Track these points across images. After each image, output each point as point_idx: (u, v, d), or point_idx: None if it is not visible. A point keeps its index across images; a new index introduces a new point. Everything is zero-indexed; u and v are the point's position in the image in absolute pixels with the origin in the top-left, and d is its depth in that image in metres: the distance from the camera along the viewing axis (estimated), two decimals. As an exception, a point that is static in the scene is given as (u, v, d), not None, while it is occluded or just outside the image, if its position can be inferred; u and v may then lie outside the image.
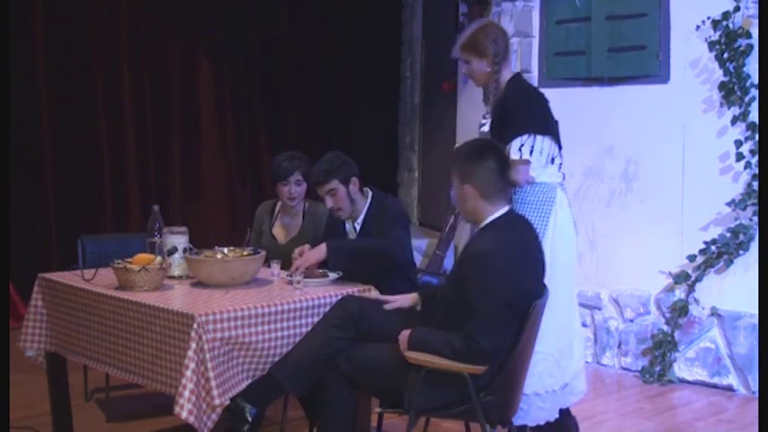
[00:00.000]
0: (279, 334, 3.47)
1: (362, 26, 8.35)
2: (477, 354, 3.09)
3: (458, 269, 3.31)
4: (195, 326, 3.21)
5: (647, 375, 5.17)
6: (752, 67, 4.86)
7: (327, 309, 3.59)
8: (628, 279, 5.41)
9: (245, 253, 3.91)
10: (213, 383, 3.21)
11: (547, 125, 3.91)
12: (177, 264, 3.88)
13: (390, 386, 3.29)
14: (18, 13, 6.26)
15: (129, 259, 3.72)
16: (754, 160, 4.88)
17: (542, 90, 5.77)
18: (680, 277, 5.13)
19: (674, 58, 5.16)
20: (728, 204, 4.96)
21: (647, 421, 4.54)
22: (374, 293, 3.77)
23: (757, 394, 4.77)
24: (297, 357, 3.46)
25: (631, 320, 5.39)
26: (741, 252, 4.94)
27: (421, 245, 7.28)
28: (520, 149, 3.70)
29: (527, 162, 3.69)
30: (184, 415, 3.17)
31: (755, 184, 4.86)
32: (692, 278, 5.09)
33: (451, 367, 3.13)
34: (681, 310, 5.11)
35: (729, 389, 4.98)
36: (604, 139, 5.50)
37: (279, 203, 4.72)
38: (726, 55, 4.93)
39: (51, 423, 4.12)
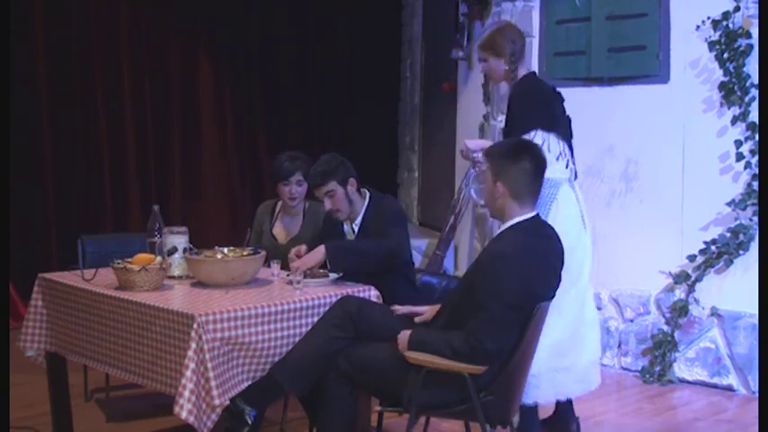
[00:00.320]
0: (279, 334, 3.47)
1: (362, 26, 8.36)
2: (479, 354, 3.08)
3: (475, 267, 3.30)
4: (195, 326, 3.21)
5: (647, 375, 5.17)
6: (752, 67, 4.86)
7: (327, 309, 3.59)
8: (628, 279, 5.41)
9: (245, 253, 3.91)
10: (213, 383, 3.21)
11: (552, 122, 3.99)
12: (177, 264, 3.88)
13: (390, 385, 3.29)
14: (18, 13, 6.27)
15: (129, 259, 3.72)
16: (754, 160, 4.87)
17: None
18: (680, 277, 5.13)
19: (674, 58, 5.16)
20: (728, 204, 4.96)
21: (647, 421, 4.54)
22: (374, 293, 3.78)
23: (757, 394, 4.77)
24: (297, 358, 3.46)
25: (631, 320, 5.39)
26: (741, 252, 4.94)
27: (421, 245, 7.28)
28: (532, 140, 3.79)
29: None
30: (184, 415, 3.17)
31: (755, 184, 4.86)
32: (692, 278, 5.09)
33: (452, 367, 3.13)
34: (681, 310, 5.11)
35: (729, 389, 4.98)
36: (604, 139, 5.50)
37: (279, 203, 4.72)
38: (726, 55, 4.93)
39: (51, 423, 4.12)
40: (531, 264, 3.15)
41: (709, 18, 4.95)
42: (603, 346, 5.48)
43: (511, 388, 3.24)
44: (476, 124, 6.90)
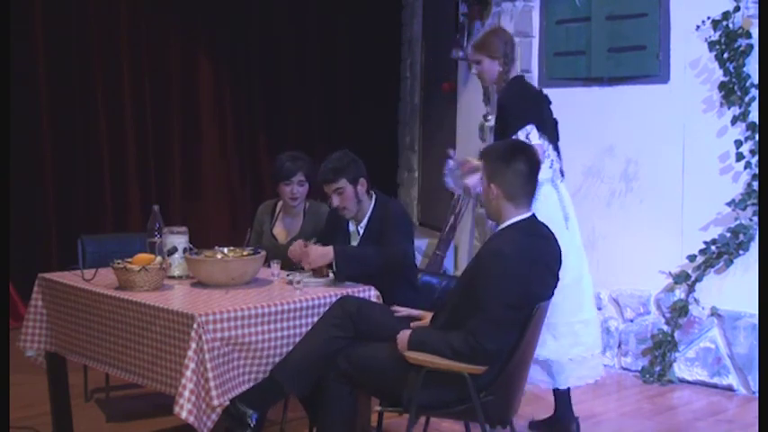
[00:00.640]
0: (279, 334, 3.47)
1: (362, 26, 8.35)
2: (479, 354, 3.09)
3: (472, 267, 3.30)
4: (195, 326, 3.21)
5: (647, 375, 5.17)
6: (752, 67, 4.86)
7: (327, 309, 3.60)
8: (628, 279, 5.41)
9: (245, 253, 3.91)
10: (212, 384, 3.21)
11: (541, 123, 4.15)
12: (177, 264, 3.88)
13: (390, 385, 3.29)
14: (18, 13, 6.26)
15: (129, 259, 3.72)
16: (754, 160, 4.87)
17: (542, 90, 5.82)
18: (680, 277, 5.13)
19: (674, 58, 5.16)
20: (728, 204, 4.96)
21: (647, 421, 4.54)
22: (373, 293, 3.78)
23: (757, 394, 4.77)
24: (297, 358, 3.46)
25: (631, 320, 5.39)
26: (741, 252, 4.94)
27: (421, 245, 7.28)
28: (528, 137, 4.02)
29: (540, 145, 3.98)
30: (184, 415, 3.17)
31: (755, 184, 4.86)
32: (692, 278, 5.09)
33: (452, 367, 3.13)
34: (681, 310, 5.11)
35: (729, 389, 4.98)
36: (604, 139, 5.50)
37: (280, 203, 4.72)
38: (726, 55, 4.93)
39: (51, 423, 4.12)
40: (528, 263, 3.15)
41: (709, 18, 4.95)
42: (604, 347, 5.49)
43: (511, 388, 3.24)
44: (476, 124, 6.90)
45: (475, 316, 3.10)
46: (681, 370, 5.14)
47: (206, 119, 7.65)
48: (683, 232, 5.17)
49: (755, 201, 4.85)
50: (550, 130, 4.26)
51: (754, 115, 4.87)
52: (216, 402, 3.22)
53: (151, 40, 7.27)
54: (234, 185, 7.85)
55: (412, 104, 8.56)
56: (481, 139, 6.77)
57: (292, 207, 4.62)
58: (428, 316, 3.54)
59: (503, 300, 3.09)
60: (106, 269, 3.87)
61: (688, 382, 5.11)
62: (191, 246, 3.90)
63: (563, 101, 5.69)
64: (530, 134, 4.07)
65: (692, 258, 5.08)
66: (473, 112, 7.03)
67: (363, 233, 4.05)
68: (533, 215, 3.32)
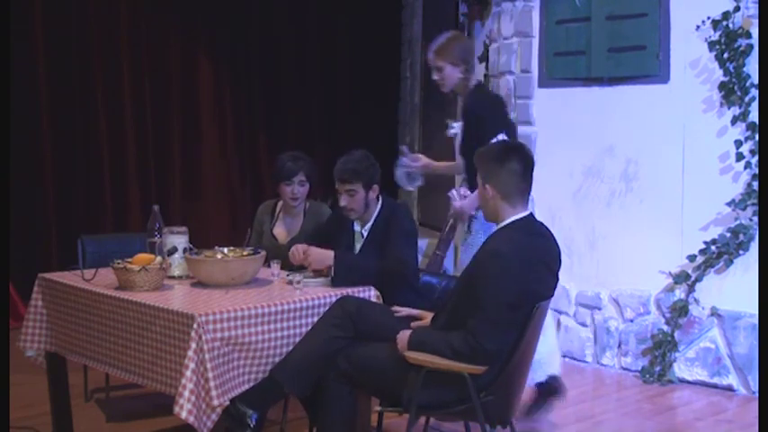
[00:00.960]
0: (279, 334, 3.47)
1: (362, 26, 8.35)
2: (479, 354, 3.09)
3: (471, 267, 3.31)
4: (195, 326, 3.21)
5: (647, 375, 5.16)
6: (752, 67, 4.86)
7: (327, 309, 3.59)
8: (628, 279, 5.41)
9: (245, 253, 3.91)
10: (212, 384, 3.21)
11: (508, 128, 4.36)
12: (177, 264, 3.88)
13: (390, 385, 3.29)
14: (18, 13, 6.26)
15: (129, 259, 3.72)
16: (754, 160, 4.87)
17: (542, 90, 5.87)
18: (680, 277, 5.13)
19: (674, 58, 5.16)
20: (728, 204, 4.96)
21: (647, 421, 4.54)
22: (373, 293, 3.78)
23: (757, 394, 4.77)
24: (297, 358, 3.46)
25: (631, 320, 5.39)
26: (741, 252, 4.94)
27: (421, 245, 7.28)
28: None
29: None
30: (184, 415, 3.17)
31: (755, 184, 4.86)
32: (692, 278, 5.09)
33: (452, 367, 3.13)
34: (681, 310, 5.11)
35: (729, 389, 4.98)
36: (604, 139, 5.50)
37: (280, 203, 4.72)
38: (726, 55, 4.92)
39: (51, 423, 4.12)
40: (527, 262, 3.15)
41: (709, 18, 4.95)
42: (604, 347, 5.49)
43: (511, 388, 3.24)
44: (476, 124, 6.90)
45: (474, 316, 3.10)
46: (681, 370, 5.14)
47: (206, 119, 7.65)
48: (683, 232, 5.17)
49: (755, 201, 4.85)
50: (512, 131, 4.43)
51: (754, 115, 4.87)
52: (216, 402, 3.22)
53: (151, 40, 7.27)
54: (234, 185, 7.85)
55: (412, 104, 8.56)
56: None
57: (293, 207, 4.62)
58: (428, 316, 3.54)
59: (502, 299, 3.09)
60: (106, 269, 3.87)
61: (688, 382, 5.11)
62: (191, 246, 3.90)
63: (563, 101, 5.73)
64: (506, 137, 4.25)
65: (692, 258, 5.08)
66: (473, 112, 7.03)
67: (367, 235, 4.03)
68: (531, 214, 3.32)
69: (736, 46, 4.88)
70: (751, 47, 4.85)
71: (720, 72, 4.97)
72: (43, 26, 6.72)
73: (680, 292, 5.17)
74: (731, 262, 4.98)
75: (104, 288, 3.69)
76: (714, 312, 5.04)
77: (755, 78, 4.83)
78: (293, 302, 3.53)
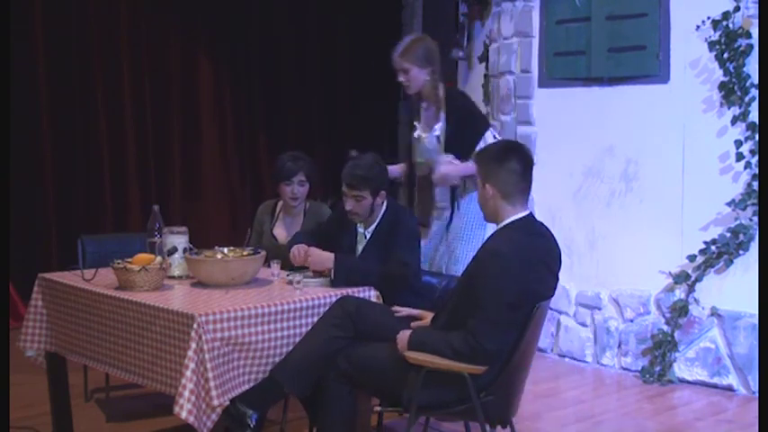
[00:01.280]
0: (279, 334, 3.47)
1: (362, 26, 8.35)
2: (478, 354, 3.09)
3: (471, 267, 3.31)
4: (195, 326, 3.21)
5: (647, 375, 5.16)
6: (752, 67, 4.86)
7: (327, 309, 3.59)
8: (628, 279, 5.41)
9: (245, 253, 3.91)
10: (212, 384, 3.22)
11: (486, 118, 4.60)
12: (177, 264, 3.88)
13: (390, 385, 3.29)
14: (18, 13, 6.26)
15: (129, 259, 3.72)
16: (754, 160, 4.87)
17: (542, 90, 5.88)
18: (680, 277, 5.13)
19: (674, 58, 5.16)
20: (728, 204, 4.95)
21: (647, 421, 4.54)
22: (373, 293, 3.78)
23: (757, 394, 4.77)
24: (297, 358, 3.46)
25: (631, 320, 5.39)
26: (741, 252, 4.94)
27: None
28: (495, 137, 4.36)
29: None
30: (184, 415, 3.17)
31: (755, 184, 4.85)
32: (692, 278, 5.09)
33: (452, 367, 3.13)
34: (681, 310, 5.11)
35: (729, 389, 4.98)
36: (604, 139, 5.50)
37: (280, 203, 4.72)
38: (726, 55, 4.92)
39: (51, 423, 4.12)
40: (527, 262, 3.15)
41: (709, 18, 4.95)
42: (603, 346, 5.49)
43: (511, 388, 3.24)
44: (476, 124, 6.90)
45: (474, 316, 3.10)
46: (681, 370, 5.14)
47: (206, 119, 7.65)
48: (683, 232, 5.17)
49: (755, 201, 4.85)
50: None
51: (754, 115, 4.87)
52: (216, 402, 3.22)
53: (151, 40, 7.27)
54: (234, 185, 7.85)
55: (412, 104, 8.55)
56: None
57: (293, 207, 4.62)
58: (428, 316, 3.54)
59: (502, 299, 3.09)
60: (106, 269, 3.87)
61: (688, 382, 5.11)
62: (191, 246, 3.90)
63: (563, 101, 5.73)
64: (495, 135, 4.41)
65: (692, 258, 5.08)
66: (473, 112, 7.03)
67: (370, 237, 4.01)
68: (531, 213, 3.32)
69: (736, 46, 4.88)
70: (751, 47, 4.85)
71: (720, 72, 4.97)
72: (43, 26, 6.72)
73: (680, 292, 5.17)
74: (731, 262, 4.98)
75: (104, 288, 3.69)
76: (714, 312, 5.04)
77: (755, 78, 4.83)
78: (293, 302, 3.53)
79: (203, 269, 3.75)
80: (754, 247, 4.88)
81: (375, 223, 4.01)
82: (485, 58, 6.62)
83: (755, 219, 4.87)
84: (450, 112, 4.38)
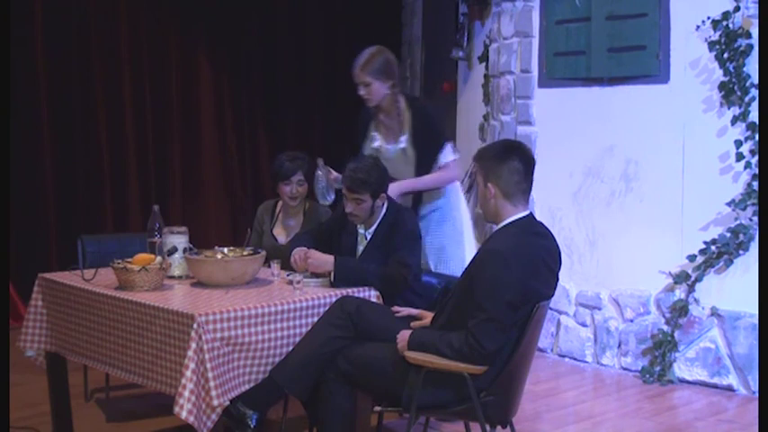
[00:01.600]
0: (279, 334, 3.47)
1: (362, 26, 8.35)
2: (478, 354, 3.09)
3: (471, 267, 3.31)
4: (195, 326, 3.21)
5: (647, 375, 5.16)
6: (752, 67, 4.86)
7: (327, 309, 3.59)
8: (628, 279, 5.41)
9: (245, 253, 3.91)
10: (212, 384, 3.22)
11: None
12: (177, 264, 3.88)
13: (390, 385, 3.29)
14: (18, 13, 6.26)
15: (129, 259, 3.73)
16: (754, 160, 4.87)
17: (542, 90, 5.88)
18: (680, 277, 5.13)
19: (674, 58, 5.16)
20: (728, 204, 4.95)
21: (647, 421, 4.54)
22: (373, 293, 3.77)
23: (757, 394, 4.77)
24: (296, 359, 3.46)
25: (631, 320, 5.39)
26: (741, 252, 4.94)
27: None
28: (453, 151, 4.42)
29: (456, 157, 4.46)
30: (184, 415, 3.17)
31: (755, 184, 4.86)
32: (692, 278, 5.09)
33: (451, 367, 3.13)
34: (681, 310, 5.11)
35: (729, 389, 4.98)
36: (604, 139, 5.50)
37: (280, 203, 4.73)
38: (726, 55, 4.92)
39: (51, 423, 4.12)
40: (527, 261, 3.15)
41: (709, 18, 4.95)
42: (603, 346, 5.49)
43: (511, 388, 3.24)
44: (476, 124, 6.90)
45: (474, 316, 3.10)
46: (681, 370, 5.14)
47: (206, 119, 7.65)
48: (683, 232, 5.17)
49: (755, 201, 4.85)
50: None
51: (754, 115, 4.87)
52: (216, 402, 3.22)
53: (151, 40, 7.27)
54: (234, 185, 7.85)
55: (412, 104, 8.55)
56: (481, 139, 6.77)
57: (292, 207, 4.62)
58: (428, 316, 3.54)
59: (502, 299, 3.09)
60: (106, 269, 3.87)
61: (688, 382, 5.11)
62: (191, 246, 3.90)
63: (563, 101, 5.73)
64: (454, 146, 4.48)
65: (692, 258, 5.08)
66: (473, 112, 7.04)
67: (371, 238, 4.01)
68: (531, 213, 3.32)
69: (736, 46, 4.88)
70: (751, 47, 4.85)
71: (720, 72, 4.97)
72: (43, 26, 6.71)
73: (680, 292, 5.17)
74: (731, 262, 4.98)
75: (104, 288, 3.69)
76: (714, 312, 5.04)
77: (755, 78, 4.83)
78: (293, 302, 3.53)
79: (203, 269, 3.75)
80: (754, 247, 4.88)
81: (375, 224, 4.00)
82: (485, 58, 6.62)
83: (755, 219, 4.87)
84: (422, 121, 4.41)
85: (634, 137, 5.37)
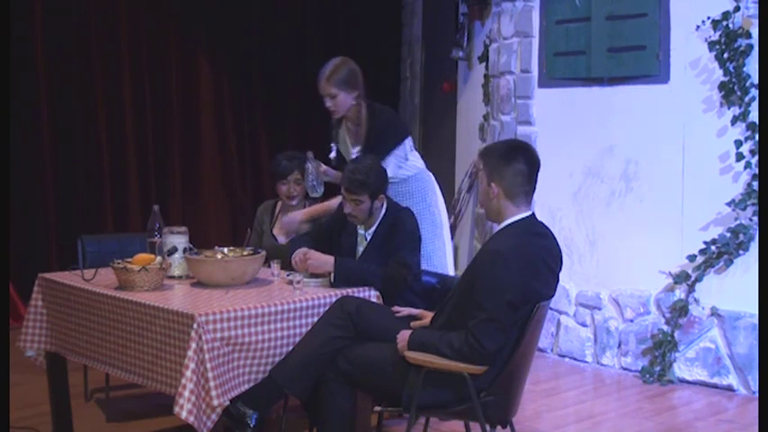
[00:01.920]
0: (279, 334, 3.47)
1: (362, 26, 8.35)
2: (478, 354, 3.09)
3: (471, 267, 3.31)
4: (195, 326, 3.21)
5: (647, 375, 5.16)
6: (752, 67, 4.86)
7: (327, 309, 3.59)
8: (628, 279, 5.41)
9: (245, 253, 3.91)
10: (212, 384, 3.22)
11: (406, 129, 4.69)
12: (177, 264, 3.88)
13: (390, 385, 3.29)
14: (18, 13, 6.26)
15: (129, 259, 3.72)
16: (754, 160, 4.87)
17: (542, 90, 5.88)
18: (680, 277, 5.13)
19: (674, 58, 5.16)
20: (728, 204, 4.95)
21: (647, 421, 4.54)
22: (373, 293, 3.77)
23: (757, 394, 4.77)
24: (296, 359, 3.46)
25: (631, 320, 5.39)
26: (741, 252, 4.94)
27: (421, 245, 7.27)
28: (412, 149, 4.52)
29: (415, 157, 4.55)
30: (184, 415, 3.17)
31: (755, 184, 4.86)
32: (692, 278, 5.09)
33: (451, 367, 3.13)
34: (681, 310, 5.11)
35: (729, 389, 4.98)
36: (604, 139, 5.50)
37: (279, 204, 4.73)
38: (726, 55, 4.92)
39: (51, 423, 4.12)
40: (528, 261, 3.15)
41: (709, 18, 4.95)
42: (603, 346, 5.49)
43: (511, 388, 3.24)
44: (476, 124, 6.90)
45: (475, 316, 3.10)
46: (681, 370, 5.14)
47: (206, 119, 7.65)
48: (683, 232, 5.17)
49: (755, 201, 4.85)
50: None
51: (754, 115, 4.87)
52: (216, 402, 3.22)
53: (151, 40, 7.27)
54: (234, 185, 7.85)
55: (412, 104, 8.56)
56: (481, 139, 6.77)
57: (291, 206, 4.63)
58: (428, 316, 3.54)
59: (502, 299, 3.09)
60: (106, 269, 3.87)
61: (688, 382, 5.11)
62: (191, 246, 3.90)
63: (563, 101, 5.73)
64: (411, 145, 4.51)
65: (692, 258, 5.08)
66: (473, 112, 7.04)
67: (371, 239, 4.01)
68: (533, 214, 3.31)
69: (736, 46, 4.88)
70: (751, 47, 4.85)
71: (720, 72, 4.97)
72: (43, 26, 6.71)
73: (680, 292, 5.17)
74: (731, 262, 4.98)
75: (104, 288, 3.69)
76: (714, 312, 5.04)
77: (755, 78, 4.83)
78: (293, 302, 3.53)
79: (203, 269, 3.75)
80: (754, 247, 4.88)
81: (375, 225, 4.01)
82: (485, 58, 6.62)
83: (755, 219, 4.87)
84: (366, 133, 4.45)
85: (634, 137, 5.37)
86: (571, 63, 5.59)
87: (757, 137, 4.83)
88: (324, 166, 4.43)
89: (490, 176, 3.27)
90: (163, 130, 7.37)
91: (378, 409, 3.44)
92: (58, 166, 6.84)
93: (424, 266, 4.15)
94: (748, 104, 4.88)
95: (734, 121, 4.94)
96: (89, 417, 4.44)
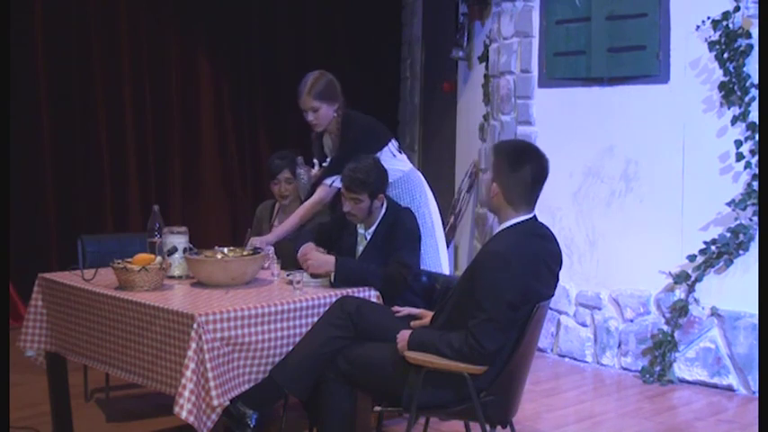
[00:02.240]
0: (279, 334, 3.47)
1: (362, 26, 8.35)
2: (478, 354, 3.09)
3: (471, 267, 3.30)
4: (195, 326, 3.21)
5: (647, 375, 5.16)
6: (752, 67, 4.86)
7: (327, 309, 3.59)
8: (628, 279, 5.41)
9: (245, 253, 3.91)
10: (212, 384, 3.22)
11: (388, 132, 4.58)
12: (177, 264, 3.88)
13: (390, 385, 3.29)
14: (18, 13, 6.26)
15: (129, 259, 3.72)
16: (754, 160, 4.87)
17: (542, 90, 5.88)
18: (680, 277, 5.13)
19: (674, 58, 5.16)
20: (728, 204, 4.95)
21: (647, 421, 4.54)
22: (373, 293, 3.77)
23: (757, 394, 4.77)
24: (296, 359, 3.46)
25: (631, 320, 5.39)
26: (741, 252, 4.94)
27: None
28: (399, 150, 4.55)
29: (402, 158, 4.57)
30: (184, 415, 3.17)
31: (755, 184, 4.86)
32: (692, 278, 5.09)
33: (451, 367, 3.13)
34: (681, 310, 5.11)
35: (729, 389, 4.98)
36: (604, 139, 5.50)
37: (278, 204, 4.73)
38: (726, 55, 4.92)
39: (51, 423, 4.12)
40: (528, 262, 3.15)
41: (709, 18, 4.95)
42: (603, 346, 5.49)
43: (511, 388, 3.24)
44: (476, 124, 6.90)
45: (475, 316, 3.10)
46: (681, 370, 5.14)
47: (206, 119, 7.65)
48: (683, 232, 5.17)
49: (755, 201, 4.85)
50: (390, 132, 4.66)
51: (754, 115, 4.87)
52: (216, 402, 3.22)
53: (151, 41, 7.27)
54: (234, 185, 7.85)
55: (412, 104, 8.56)
56: (481, 139, 6.78)
57: (287, 206, 4.63)
58: (428, 315, 3.54)
59: (502, 299, 3.09)
60: (106, 269, 3.87)
61: (688, 382, 5.11)
62: (191, 246, 3.90)
63: (563, 101, 5.73)
64: (397, 147, 4.52)
65: (692, 258, 5.08)
66: (473, 112, 7.04)
67: (371, 239, 4.01)
68: (534, 216, 3.30)
69: (736, 46, 4.88)
70: (751, 47, 4.85)
71: (720, 72, 4.97)
72: (43, 26, 6.71)
73: (680, 292, 5.17)
74: (731, 262, 4.98)
75: (104, 288, 3.69)
76: (714, 312, 5.04)
77: (755, 78, 4.83)
78: (293, 302, 3.53)
79: (203, 269, 3.75)
80: (754, 247, 4.88)
81: (375, 225, 4.01)
82: (485, 58, 6.62)
83: (755, 219, 4.87)
84: (340, 140, 4.48)
85: (634, 137, 5.37)
86: (571, 63, 5.59)
87: (757, 137, 4.83)
88: (314, 171, 4.45)
89: (495, 175, 3.26)
90: (163, 131, 7.37)
91: (378, 409, 3.44)
92: (58, 166, 6.84)
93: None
94: (748, 104, 4.88)
95: (734, 121, 4.94)
96: (89, 417, 4.44)
